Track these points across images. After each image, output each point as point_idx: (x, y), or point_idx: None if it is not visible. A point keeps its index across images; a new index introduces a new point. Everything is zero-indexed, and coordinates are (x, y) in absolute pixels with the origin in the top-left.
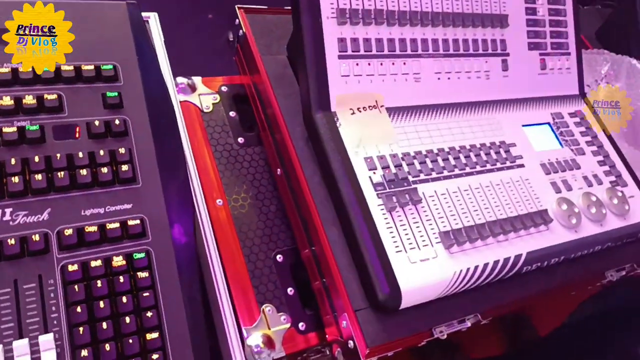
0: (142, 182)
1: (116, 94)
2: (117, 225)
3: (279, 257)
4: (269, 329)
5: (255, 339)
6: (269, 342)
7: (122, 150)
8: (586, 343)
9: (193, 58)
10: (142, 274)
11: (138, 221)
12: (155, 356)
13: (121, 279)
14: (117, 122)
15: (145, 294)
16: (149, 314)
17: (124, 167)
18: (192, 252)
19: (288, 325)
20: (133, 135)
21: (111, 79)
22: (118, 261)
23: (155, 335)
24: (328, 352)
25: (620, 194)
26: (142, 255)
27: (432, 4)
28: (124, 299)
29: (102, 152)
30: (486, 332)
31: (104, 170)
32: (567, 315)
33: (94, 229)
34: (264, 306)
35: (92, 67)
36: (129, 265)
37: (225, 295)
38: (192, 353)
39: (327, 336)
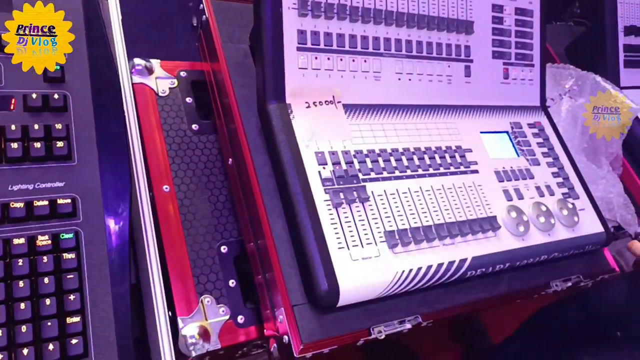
0: (77, 160)
1: (58, 67)
2: (45, 203)
3: (224, 248)
4: (206, 320)
5: (190, 329)
6: (204, 333)
7: (58, 126)
8: (535, 355)
9: (163, 41)
10: (68, 255)
11: (69, 200)
12: (74, 341)
13: (45, 259)
14: (56, 96)
15: (69, 276)
16: (72, 296)
17: (59, 144)
18: (125, 236)
19: (226, 318)
20: (72, 112)
21: None
22: (43, 240)
23: (76, 319)
24: None
25: (571, 205)
26: (70, 235)
27: (397, 3)
28: (46, 280)
29: (36, 127)
30: (441, 339)
31: (37, 145)
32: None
33: (20, 205)
34: (203, 297)
35: None
36: (55, 245)
37: (159, 283)
38: (115, 339)
39: (265, 331)
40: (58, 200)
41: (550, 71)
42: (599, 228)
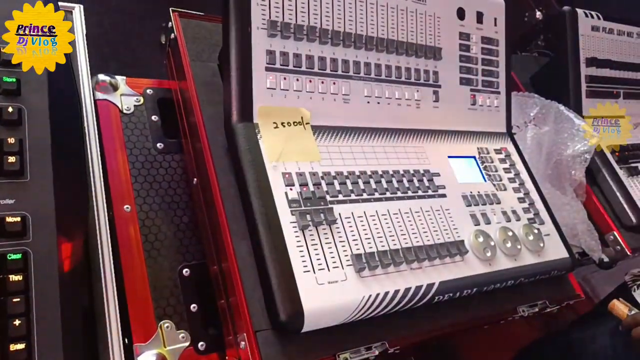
0: (30, 177)
1: (14, 80)
2: None
3: (186, 271)
4: (165, 347)
5: (147, 357)
6: None
7: (11, 140)
8: None
9: (140, 59)
10: (15, 277)
11: (18, 219)
12: None
13: None
14: (10, 109)
15: (15, 300)
16: (17, 322)
17: (11, 159)
18: (78, 258)
19: (187, 344)
20: (27, 126)
21: (11, 64)
22: None
23: (20, 346)
24: None
25: (536, 231)
26: (18, 256)
27: (367, 27)
28: None
29: None
30: None
31: None
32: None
33: None
34: (162, 322)
35: None
36: (1, 266)
37: (115, 307)
38: None
39: (227, 358)
40: (7, 218)
41: (516, 99)
42: (564, 253)
